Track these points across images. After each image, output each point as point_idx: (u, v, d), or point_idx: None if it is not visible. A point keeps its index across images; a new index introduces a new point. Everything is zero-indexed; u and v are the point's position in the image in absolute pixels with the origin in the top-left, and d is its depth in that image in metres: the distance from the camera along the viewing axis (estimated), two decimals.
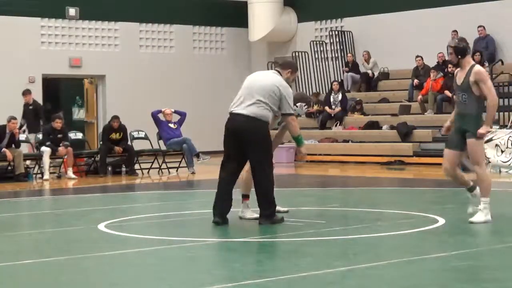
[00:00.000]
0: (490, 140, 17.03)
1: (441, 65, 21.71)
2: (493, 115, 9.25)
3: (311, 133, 22.36)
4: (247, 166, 9.66)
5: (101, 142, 18.94)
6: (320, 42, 25.02)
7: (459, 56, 9.10)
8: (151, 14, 25.15)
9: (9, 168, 17.31)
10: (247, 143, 9.30)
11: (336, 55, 24.63)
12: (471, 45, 21.66)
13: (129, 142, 18.91)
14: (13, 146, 17.23)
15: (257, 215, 9.66)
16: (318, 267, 7.05)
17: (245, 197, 9.87)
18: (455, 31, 21.98)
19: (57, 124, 17.79)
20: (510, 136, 16.78)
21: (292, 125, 9.42)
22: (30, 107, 19.20)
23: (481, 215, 9.19)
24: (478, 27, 21.51)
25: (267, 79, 9.41)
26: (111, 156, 18.64)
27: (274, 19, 25.35)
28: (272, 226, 9.21)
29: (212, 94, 25.82)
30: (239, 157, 9.41)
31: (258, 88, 9.32)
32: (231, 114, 9.49)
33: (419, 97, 21.33)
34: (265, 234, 8.90)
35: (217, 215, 9.38)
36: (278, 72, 9.54)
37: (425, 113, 21.07)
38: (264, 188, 9.30)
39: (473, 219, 9.18)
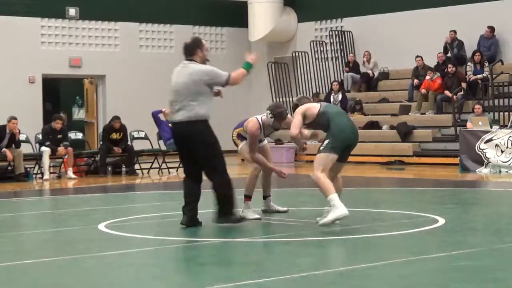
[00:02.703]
0: (490, 140, 17.04)
1: (441, 65, 21.71)
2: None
3: None
4: (252, 166, 9.70)
5: (101, 142, 18.93)
6: (320, 42, 25.02)
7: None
8: (151, 14, 25.15)
9: (9, 168, 17.31)
10: (192, 147, 9.10)
11: (336, 55, 24.63)
12: (473, 44, 21.77)
13: (129, 142, 18.91)
14: (13, 146, 17.23)
15: (258, 216, 9.66)
16: (318, 267, 7.05)
17: (247, 197, 9.88)
18: (453, 31, 22.00)
19: (57, 124, 17.80)
20: (510, 136, 16.77)
21: (237, 76, 9.45)
22: None
23: (331, 214, 8.70)
24: (488, 27, 21.49)
25: (185, 75, 9.17)
26: (111, 156, 18.64)
27: (274, 19, 25.35)
28: (232, 225, 9.07)
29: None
30: (192, 159, 9.26)
31: (182, 89, 9.15)
32: (172, 123, 9.37)
33: (420, 93, 21.30)
34: (265, 234, 8.90)
35: (185, 218, 9.23)
36: (190, 59, 9.30)
37: (426, 113, 21.07)
38: (219, 186, 9.12)
39: (322, 220, 8.75)
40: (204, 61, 9.42)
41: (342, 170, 9.34)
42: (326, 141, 8.98)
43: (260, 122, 9.83)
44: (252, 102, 26.41)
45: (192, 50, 9.40)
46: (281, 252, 7.97)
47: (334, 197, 8.74)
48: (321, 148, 8.99)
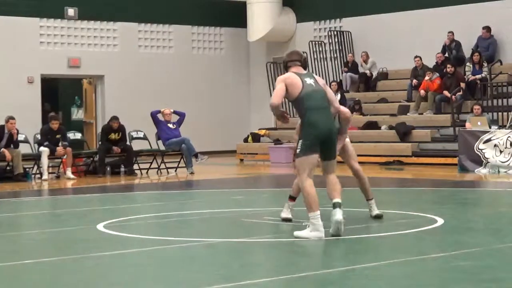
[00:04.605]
0: (489, 140, 17.04)
1: (440, 65, 21.72)
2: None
3: None
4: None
5: (100, 142, 18.93)
6: (319, 42, 25.03)
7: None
8: (150, 14, 25.15)
9: (8, 168, 17.30)
10: None
11: (335, 55, 24.63)
12: (473, 44, 21.79)
13: (128, 142, 18.90)
14: (11, 146, 17.22)
15: (288, 217, 9.59)
16: (318, 267, 7.06)
17: (291, 198, 9.77)
18: (451, 32, 22.02)
19: (54, 125, 17.78)
20: (509, 136, 16.77)
21: None
22: None
23: (308, 232, 8.34)
24: (483, 28, 21.51)
25: None
26: (110, 156, 18.63)
27: (273, 19, 25.35)
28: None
29: (211, 94, 25.84)
30: None
31: None
32: None
33: (419, 93, 21.29)
34: (265, 234, 8.90)
35: None
36: None
37: (425, 113, 21.08)
38: None
39: (298, 232, 8.41)
40: None
41: (334, 168, 8.86)
42: (300, 142, 8.61)
43: None
44: (252, 102, 26.44)
45: None
46: (281, 252, 7.98)
47: (315, 215, 8.33)
48: (297, 151, 8.63)
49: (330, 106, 8.75)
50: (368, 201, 9.85)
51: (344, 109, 9.43)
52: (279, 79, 8.75)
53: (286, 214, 9.73)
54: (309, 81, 8.68)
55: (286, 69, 8.86)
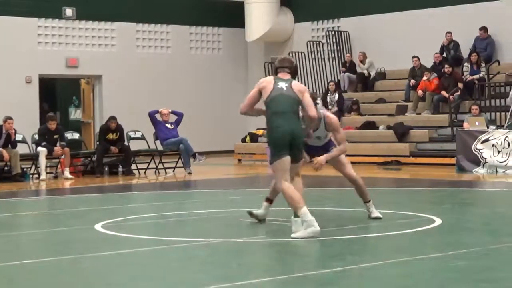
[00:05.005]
0: (486, 140, 17.05)
1: (438, 66, 21.74)
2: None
3: None
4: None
5: (97, 142, 18.93)
6: (317, 42, 25.03)
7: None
8: (147, 14, 25.15)
9: (6, 168, 17.30)
10: None
11: (333, 55, 24.65)
12: (470, 44, 21.80)
13: (125, 142, 18.90)
14: (9, 146, 17.21)
15: (261, 213, 9.58)
16: (317, 267, 7.06)
17: (267, 200, 9.66)
18: (449, 32, 22.03)
19: (51, 125, 17.78)
20: (507, 137, 16.79)
21: None
22: None
23: (305, 231, 8.28)
24: (480, 29, 21.53)
25: None
26: (108, 156, 18.62)
27: (271, 19, 25.36)
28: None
29: (209, 94, 25.83)
30: None
31: None
32: None
33: (417, 93, 21.28)
34: (264, 234, 8.91)
35: None
36: None
37: (422, 113, 21.09)
38: None
39: (296, 234, 8.35)
40: None
41: (299, 171, 8.78)
42: (269, 149, 8.61)
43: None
44: None
45: None
46: (280, 252, 7.98)
47: (303, 212, 8.29)
48: (270, 160, 8.60)
49: (297, 111, 8.65)
50: (366, 203, 9.78)
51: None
52: (257, 84, 8.82)
53: (256, 211, 9.64)
54: (281, 85, 8.67)
55: (276, 74, 8.89)
